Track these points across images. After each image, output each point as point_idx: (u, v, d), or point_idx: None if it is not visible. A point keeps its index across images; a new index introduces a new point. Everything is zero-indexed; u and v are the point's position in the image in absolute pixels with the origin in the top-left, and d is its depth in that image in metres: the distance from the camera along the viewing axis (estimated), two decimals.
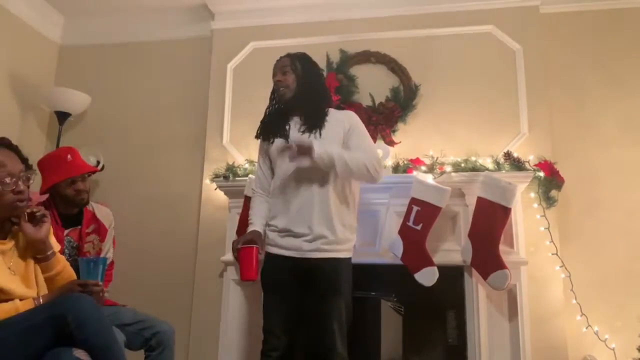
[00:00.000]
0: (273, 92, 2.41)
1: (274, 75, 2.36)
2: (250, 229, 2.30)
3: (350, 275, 2.26)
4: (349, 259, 2.28)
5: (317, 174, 2.22)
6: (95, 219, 2.57)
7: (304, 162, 2.14)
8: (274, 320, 2.20)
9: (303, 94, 2.31)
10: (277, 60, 2.40)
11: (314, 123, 2.27)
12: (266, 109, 2.43)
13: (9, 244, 1.77)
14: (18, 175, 1.75)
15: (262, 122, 2.42)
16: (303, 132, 2.27)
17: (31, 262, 1.82)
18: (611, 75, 3.29)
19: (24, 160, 1.82)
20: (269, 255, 2.28)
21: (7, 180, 1.72)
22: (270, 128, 2.37)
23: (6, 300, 1.68)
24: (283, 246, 2.23)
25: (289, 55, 2.39)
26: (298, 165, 2.19)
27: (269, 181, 2.39)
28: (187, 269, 3.39)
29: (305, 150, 2.12)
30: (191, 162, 3.59)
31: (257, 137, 2.42)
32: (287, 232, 2.23)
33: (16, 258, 1.79)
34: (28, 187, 1.79)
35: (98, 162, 3.63)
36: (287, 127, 2.32)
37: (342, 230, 2.24)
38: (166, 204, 3.58)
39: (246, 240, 2.22)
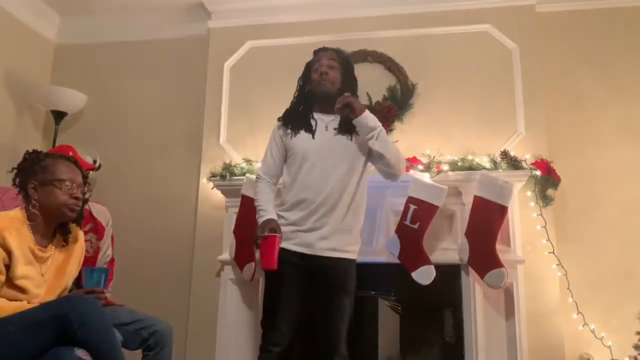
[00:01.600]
0: (306, 77, 2.37)
1: (319, 62, 2.30)
2: (265, 216, 2.18)
3: (355, 277, 2.27)
4: (355, 260, 2.30)
5: (343, 170, 2.21)
6: (91, 217, 2.57)
7: (349, 113, 2.18)
8: (280, 315, 2.14)
9: None
10: (323, 50, 2.37)
11: (350, 128, 2.26)
12: (297, 92, 2.39)
13: (49, 253, 1.88)
14: (78, 184, 1.90)
15: (291, 109, 2.37)
16: (336, 133, 2.26)
17: (63, 275, 1.91)
18: (607, 74, 3.30)
19: (84, 178, 1.97)
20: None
21: (68, 183, 1.86)
22: (298, 120, 2.31)
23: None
24: (296, 242, 2.17)
25: (336, 51, 2.38)
26: (340, 114, 2.20)
27: (278, 169, 2.34)
28: (184, 268, 3.38)
29: (354, 105, 2.17)
30: (188, 161, 3.58)
31: (282, 122, 2.34)
32: (301, 227, 2.17)
33: (51, 267, 1.87)
34: (83, 199, 1.94)
35: (95, 162, 3.61)
36: (314, 122, 2.29)
37: (357, 231, 2.26)
38: (163, 203, 3.57)
39: (270, 229, 2.08)
